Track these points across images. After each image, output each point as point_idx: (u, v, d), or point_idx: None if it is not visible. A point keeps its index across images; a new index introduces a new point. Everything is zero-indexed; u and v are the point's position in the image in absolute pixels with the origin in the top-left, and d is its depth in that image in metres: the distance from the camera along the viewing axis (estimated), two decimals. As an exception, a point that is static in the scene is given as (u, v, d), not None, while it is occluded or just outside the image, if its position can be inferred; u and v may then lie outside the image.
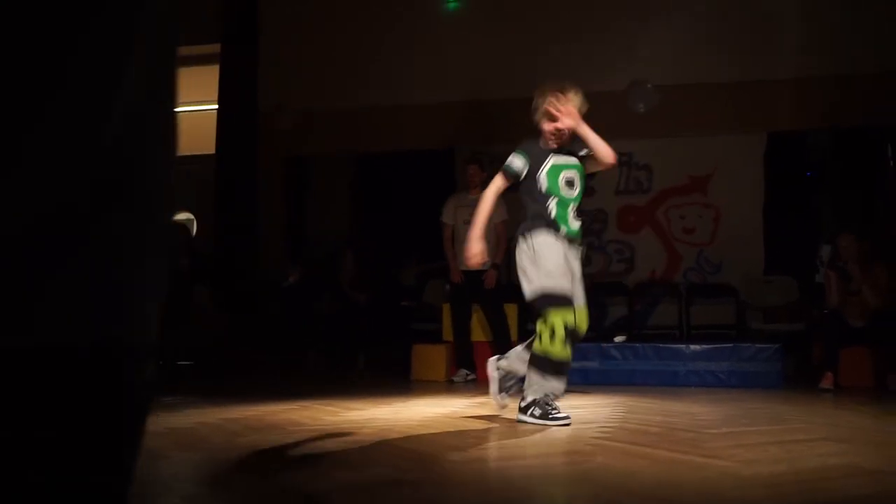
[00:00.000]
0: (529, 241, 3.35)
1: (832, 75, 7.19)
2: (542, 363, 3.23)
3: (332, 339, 7.38)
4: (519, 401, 3.36)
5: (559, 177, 3.44)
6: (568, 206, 3.44)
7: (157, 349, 0.86)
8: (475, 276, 5.92)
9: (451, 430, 3.15)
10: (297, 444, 2.78)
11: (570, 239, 3.43)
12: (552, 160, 3.47)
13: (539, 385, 3.25)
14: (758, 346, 5.73)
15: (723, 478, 2.13)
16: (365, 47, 8.43)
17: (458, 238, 6.01)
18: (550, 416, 3.19)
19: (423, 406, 4.18)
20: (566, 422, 3.16)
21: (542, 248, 3.31)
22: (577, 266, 3.47)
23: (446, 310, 6.57)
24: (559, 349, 3.18)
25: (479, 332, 6.31)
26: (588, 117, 7.76)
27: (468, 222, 5.82)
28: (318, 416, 3.61)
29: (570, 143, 3.48)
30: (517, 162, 3.50)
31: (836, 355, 5.50)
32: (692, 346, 5.82)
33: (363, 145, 8.43)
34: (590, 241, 7.80)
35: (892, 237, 7.48)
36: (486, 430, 3.15)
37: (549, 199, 3.40)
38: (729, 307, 7.24)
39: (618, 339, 6.19)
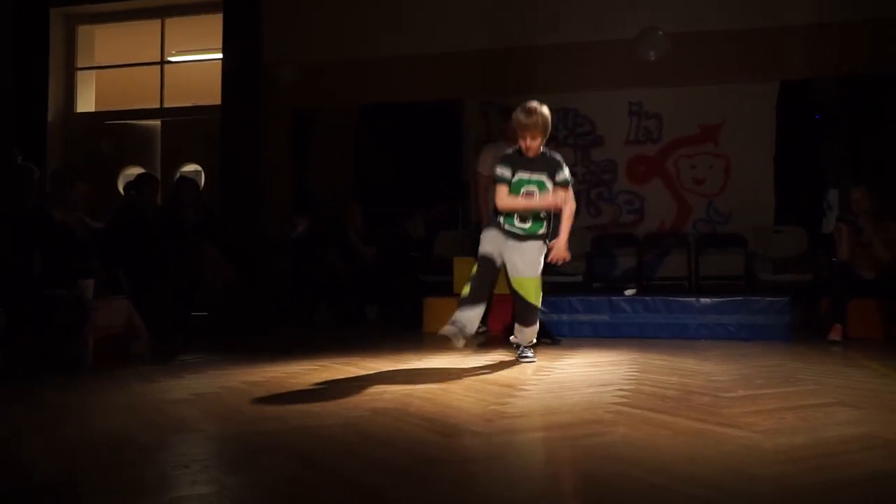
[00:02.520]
0: (484, 230, 4.34)
1: (845, 22, 7.07)
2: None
3: (341, 293, 7.44)
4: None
5: (520, 190, 4.15)
6: (513, 216, 4.17)
7: None
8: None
9: (471, 395, 3.20)
10: (324, 414, 2.84)
11: (513, 234, 4.18)
12: (519, 174, 4.16)
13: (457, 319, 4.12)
14: (768, 299, 5.77)
15: (744, 451, 2.18)
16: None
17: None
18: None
19: (438, 364, 4.24)
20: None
21: (483, 237, 4.28)
22: (516, 249, 4.20)
23: (458, 263, 6.59)
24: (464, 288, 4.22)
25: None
26: (597, 66, 7.70)
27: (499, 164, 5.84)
28: (339, 379, 3.66)
29: (540, 159, 4.16)
30: (505, 171, 4.17)
31: (844, 307, 5.54)
32: (702, 300, 5.86)
33: (368, 97, 8.34)
34: (599, 192, 7.79)
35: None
36: (504, 395, 3.21)
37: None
38: (738, 258, 7.26)
39: (628, 292, 6.23)
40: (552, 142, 7.71)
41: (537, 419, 2.67)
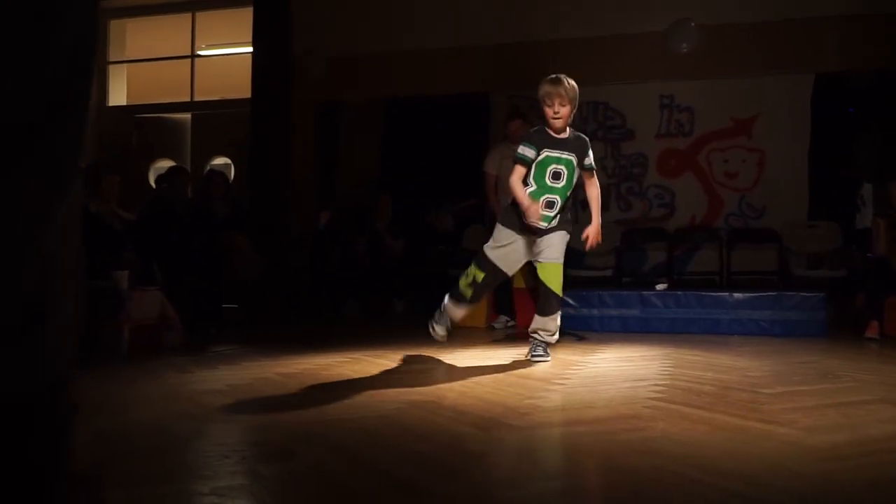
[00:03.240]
0: (502, 218, 4.15)
1: (880, 14, 6.92)
2: (455, 294, 4.10)
3: (369, 286, 7.45)
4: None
5: (548, 168, 3.92)
6: (540, 196, 3.92)
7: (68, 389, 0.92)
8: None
9: (505, 389, 3.19)
10: (358, 406, 2.84)
11: (534, 230, 3.95)
12: (546, 152, 3.93)
13: (445, 310, 4.16)
14: (802, 294, 5.68)
15: (786, 448, 2.14)
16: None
17: (502, 188, 5.98)
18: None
19: (469, 358, 4.23)
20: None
21: (500, 229, 4.08)
22: (539, 241, 4.00)
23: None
24: (465, 287, 4.07)
25: (518, 279, 6.31)
26: (628, 58, 7.63)
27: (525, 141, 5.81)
28: (371, 372, 3.67)
29: (572, 138, 4.02)
30: (528, 151, 3.93)
31: (881, 304, 5.44)
32: (735, 295, 5.79)
33: (396, 90, 8.33)
34: (629, 186, 7.72)
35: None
36: (538, 389, 3.19)
37: (528, 188, 3.93)
38: (771, 253, 7.16)
39: (659, 286, 6.17)
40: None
41: (574, 413, 2.65)
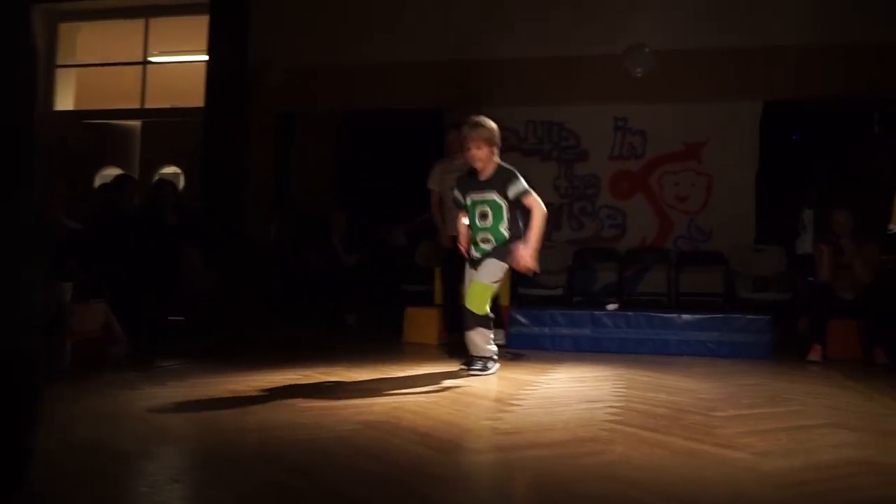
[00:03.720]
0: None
1: (830, 44, 7.17)
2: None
3: (322, 300, 7.37)
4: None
5: (475, 212, 4.24)
6: (476, 233, 4.24)
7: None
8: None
9: (461, 409, 3.16)
10: (312, 426, 2.78)
11: (473, 261, 4.29)
12: (471, 196, 4.29)
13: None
14: (748, 317, 5.79)
15: (744, 474, 2.16)
16: (356, 3, 8.25)
17: (446, 204, 5.99)
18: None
19: (422, 377, 4.18)
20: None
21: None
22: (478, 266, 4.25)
23: (438, 273, 6.57)
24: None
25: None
26: (584, 80, 7.72)
27: (454, 188, 5.83)
28: (325, 390, 3.61)
29: (493, 176, 4.20)
30: (458, 196, 4.39)
31: (824, 328, 5.58)
32: (683, 316, 5.87)
33: (351, 103, 8.30)
34: (582, 206, 7.81)
35: (875, 207, 7.55)
36: (494, 410, 3.17)
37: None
38: (718, 275, 7.31)
39: (610, 306, 6.22)
40: (537, 154, 7.83)
41: (531, 436, 2.64)
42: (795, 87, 7.33)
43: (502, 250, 4.17)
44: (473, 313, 4.17)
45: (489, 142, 4.09)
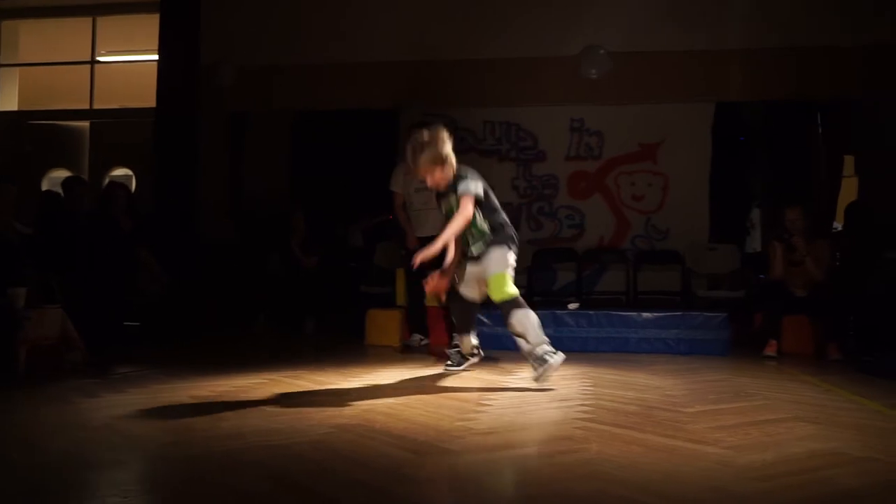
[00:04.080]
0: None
1: (778, 47, 7.34)
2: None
3: (281, 303, 7.28)
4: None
5: (452, 215, 4.13)
6: (464, 235, 4.18)
7: None
8: (430, 242, 5.90)
9: (434, 411, 3.15)
10: (286, 431, 2.74)
11: (470, 259, 4.25)
12: (442, 205, 4.29)
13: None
14: (706, 314, 5.90)
15: (719, 468, 2.20)
16: (309, 2, 8.18)
17: (412, 205, 5.98)
18: None
19: (389, 378, 4.17)
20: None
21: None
22: (479, 264, 4.18)
23: (400, 274, 6.55)
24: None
25: (432, 298, 6.30)
26: (540, 81, 7.77)
27: (418, 190, 5.85)
28: (292, 394, 3.56)
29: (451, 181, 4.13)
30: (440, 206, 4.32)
31: (779, 324, 5.72)
32: (643, 314, 5.96)
33: (304, 103, 8.21)
34: (540, 207, 7.86)
35: (820, 206, 7.78)
36: (466, 411, 3.17)
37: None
38: (675, 274, 7.42)
39: (571, 306, 6.28)
40: (495, 155, 7.86)
41: (507, 436, 2.64)
42: (745, 88, 7.50)
43: (496, 239, 4.09)
44: (505, 302, 3.91)
45: (435, 161, 3.99)
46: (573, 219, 7.82)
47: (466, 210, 3.99)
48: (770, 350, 5.58)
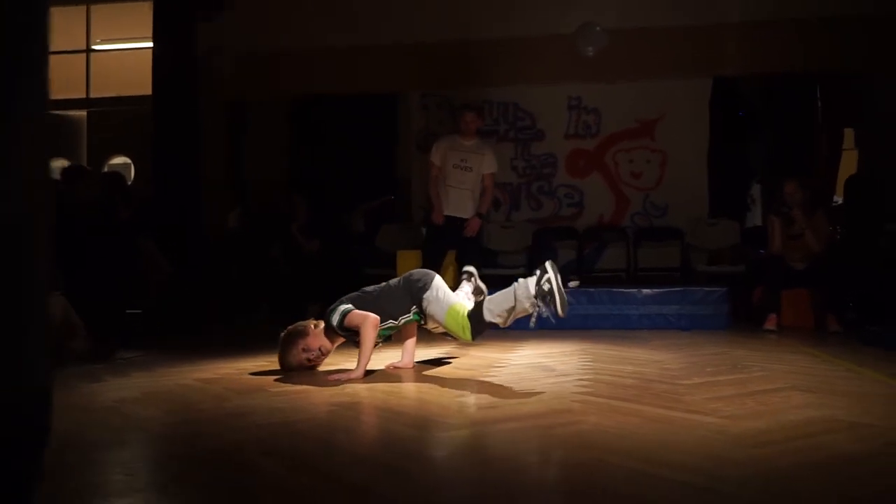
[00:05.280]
0: None
1: (776, 20, 7.30)
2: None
3: (284, 288, 7.30)
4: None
5: None
6: None
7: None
8: (457, 221, 5.94)
9: (433, 387, 3.18)
10: (288, 410, 2.77)
11: None
12: None
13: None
14: (706, 289, 5.94)
15: (717, 437, 2.22)
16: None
17: (447, 180, 6.01)
18: None
19: (387, 358, 4.18)
20: None
21: None
22: None
23: (400, 255, 6.58)
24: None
25: (447, 278, 6.31)
26: (537, 60, 7.75)
27: (457, 167, 5.87)
28: (293, 375, 3.58)
29: None
30: None
31: (778, 298, 5.75)
32: (644, 291, 5.99)
33: (302, 88, 8.20)
34: (540, 186, 7.87)
35: (819, 179, 7.78)
36: (466, 387, 3.20)
37: None
38: (674, 250, 7.44)
39: (572, 283, 6.30)
40: (494, 135, 7.86)
41: (507, 410, 2.67)
42: (743, 62, 7.47)
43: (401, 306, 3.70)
44: (473, 326, 3.44)
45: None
46: (572, 197, 7.83)
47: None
48: (770, 324, 5.61)
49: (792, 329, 5.65)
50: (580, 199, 7.81)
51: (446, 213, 5.97)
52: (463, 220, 5.98)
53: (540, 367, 3.76)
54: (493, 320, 3.37)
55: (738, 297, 6.38)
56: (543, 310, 3.26)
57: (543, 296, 3.25)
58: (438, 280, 3.62)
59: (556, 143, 7.85)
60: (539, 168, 7.86)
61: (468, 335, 3.41)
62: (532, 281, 3.31)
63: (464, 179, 5.99)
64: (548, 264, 3.34)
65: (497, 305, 3.37)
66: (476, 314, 3.40)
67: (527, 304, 3.27)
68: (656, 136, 7.69)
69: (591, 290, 6.05)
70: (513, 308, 3.32)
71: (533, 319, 3.28)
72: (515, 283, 3.36)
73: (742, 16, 7.34)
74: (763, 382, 3.20)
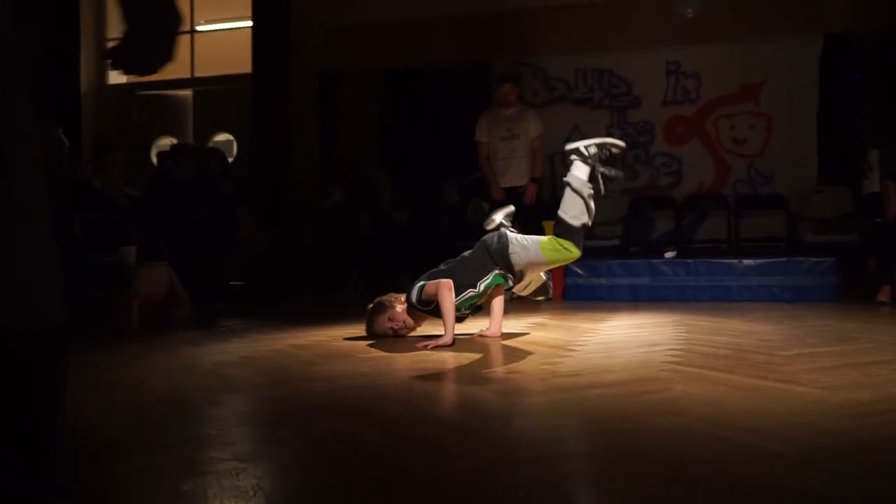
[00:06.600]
0: None
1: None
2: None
3: (374, 261, 7.42)
4: None
5: None
6: None
7: (60, 333, 0.88)
8: (515, 192, 5.89)
9: (519, 356, 3.17)
10: (373, 374, 2.82)
11: None
12: None
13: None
14: (812, 259, 5.65)
15: (810, 406, 2.12)
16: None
17: (496, 155, 5.98)
18: None
19: (480, 326, 4.19)
20: None
21: None
22: None
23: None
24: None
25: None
26: (633, 25, 7.49)
27: (504, 139, 5.82)
28: (381, 343, 3.62)
29: None
30: None
31: (893, 268, 5.41)
32: (744, 261, 5.76)
33: (393, 60, 8.23)
34: (636, 155, 7.65)
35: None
36: (553, 356, 3.16)
37: None
38: (779, 219, 7.10)
39: (668, 254, 6.14)
40: (588, 103, 7.70)
41: (591, 377, 2.63)
42: (856, 19, 7.01)
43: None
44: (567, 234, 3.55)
45: None
46: (670, 166, 7.59)
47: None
48: (883, 296, 5.29)
49: (908, 301, 5.31)
50: (678, 168, 7.55)
51: (504, 185, 5.93)
52: (522, 188, 5.92)
53: (630, 338, 3.68)
54: (582, 222, 3.54)
55: (849, 268, 6.05)
56: (610, 172, 3.55)
57: (594, 162, 3.55)
58: (511, 234, 3.68)
59: (653, 109, 7.60)
60: (635, 136, 7.64)
61: (575, 250, 3.55)
62: (576, 167, 3.58)
63: (513, 149, 5.94)
64: (568, 146, 3.64)
65: (572, 208, 3.55)
66: (564, 228, 3.55)
67: (589, 186, 3.55)
68: (761, 99, 7.32)
69: (689, 260, 5.87)
70: (584, 201, 3.54)
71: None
72: (567, 183, 3.59)
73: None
74: (870, 354, 3.03)
